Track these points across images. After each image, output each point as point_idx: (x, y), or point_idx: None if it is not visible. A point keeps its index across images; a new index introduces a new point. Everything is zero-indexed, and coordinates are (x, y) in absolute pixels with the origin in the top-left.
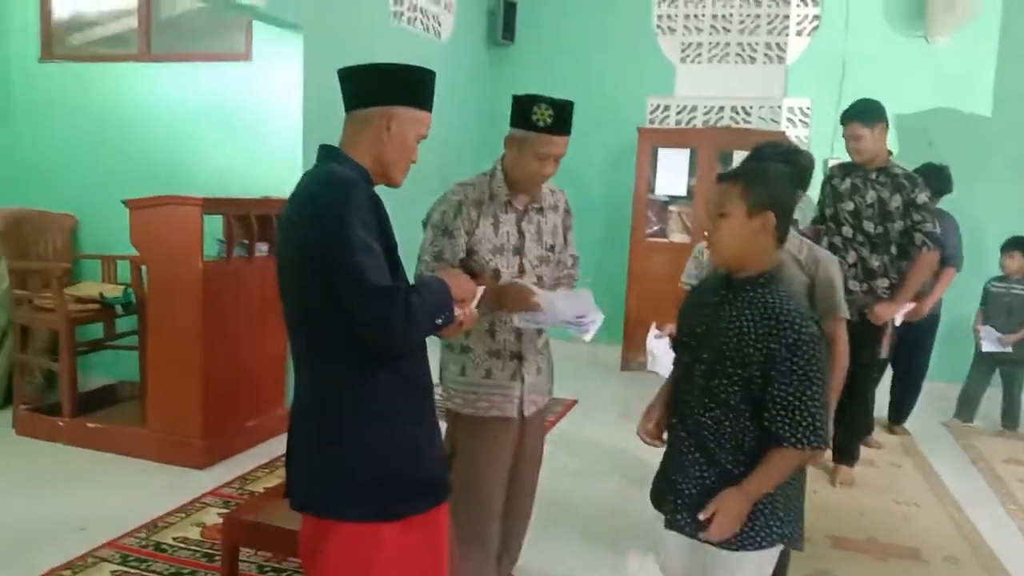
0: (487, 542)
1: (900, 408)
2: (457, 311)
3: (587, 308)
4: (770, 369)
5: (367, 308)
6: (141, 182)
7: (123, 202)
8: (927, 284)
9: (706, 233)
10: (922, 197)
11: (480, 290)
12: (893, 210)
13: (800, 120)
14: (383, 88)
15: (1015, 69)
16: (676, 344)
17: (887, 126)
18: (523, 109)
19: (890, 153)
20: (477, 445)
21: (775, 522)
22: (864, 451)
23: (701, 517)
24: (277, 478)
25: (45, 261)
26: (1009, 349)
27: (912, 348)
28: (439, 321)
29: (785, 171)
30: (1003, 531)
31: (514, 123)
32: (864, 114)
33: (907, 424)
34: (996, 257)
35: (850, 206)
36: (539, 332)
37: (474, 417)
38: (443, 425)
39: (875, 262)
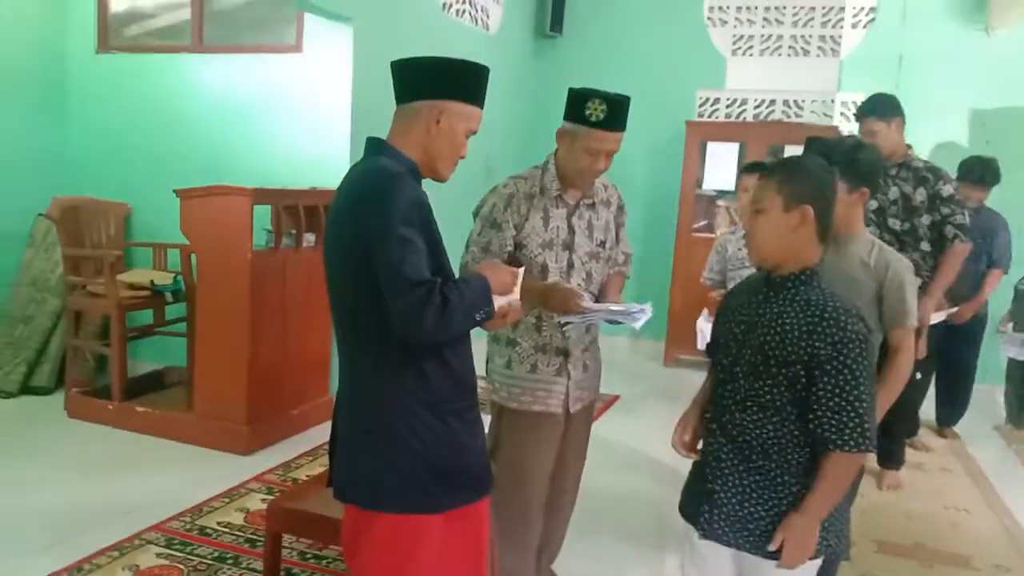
0: (528, 537)
1: (947, 412)
2: (502, 301)
3: (637, 306)
4: (815, 368)
5: (402, 300)
6: (192, 172)
7: (174, 191)
8: (968, 286)
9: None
10: (947, 189)
11: (520, 276)
12: (918, 204)
13: (854, 115)
14: (435, 82)
15: None
16: (714, 347)
17: (903, 120)
18: (577, 103)
19: (909, 147)
20: (521, 440)
21: (821, 533)
22: (912, 454)
23: (771, 548)
24: (320, 466)
25: (98, 248)
26: None
27: (957, 350)
28: (478, 316)
29: (823, 163)
30: None
31: (567, 116)
32: (880, 109)
33: (958, 428)
34: None
35: (873, 204)
36: (587, 329)
37: (519, 411)
38: (486, 418)
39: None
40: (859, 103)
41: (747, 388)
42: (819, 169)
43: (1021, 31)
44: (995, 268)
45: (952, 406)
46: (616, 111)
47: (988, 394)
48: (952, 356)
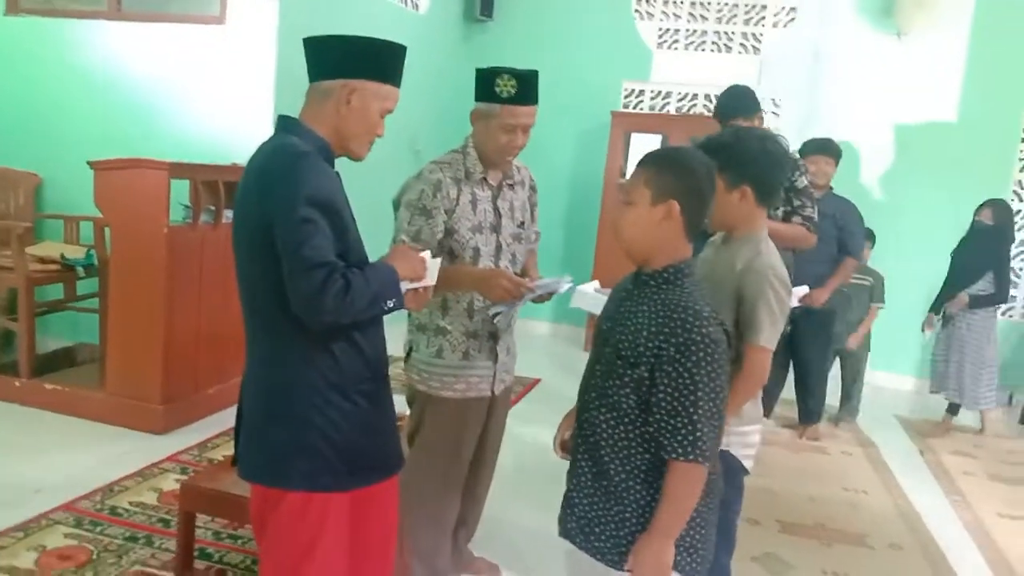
0: (446, 517)
1: (802, 408)
2: (414, 286)
3: (556, 279)
4: (656, 369)
5: (300, 282)
6: (108, 143)
7: (88, 163)
8: (821, 270)
9: None
10: (802, 181)
11: (435, 266)
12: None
13: (772, 111)
14: (347, 60)
15: (983, 69)
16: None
17: (762, 112)
18: (486, 81)
19: None
20: (448, 425)
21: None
22: (818, 441)
23: (625, 569)
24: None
25: (6, 219)
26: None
27: (802, 342)
28: (386, 305)
29: (701, 156)
30: (946, 521)
31: (479, 97)
32: (744, 107)
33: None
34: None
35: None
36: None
37: (449, 399)
38: (398, 398)
39: None
40: (777, 100)
41: (601, 387)
42: (693, 162)
43: (930, 36)
44: (849, 256)
45: (804, 401)
46: (526, 85)
47: (888, 382)
48: (797, 348)
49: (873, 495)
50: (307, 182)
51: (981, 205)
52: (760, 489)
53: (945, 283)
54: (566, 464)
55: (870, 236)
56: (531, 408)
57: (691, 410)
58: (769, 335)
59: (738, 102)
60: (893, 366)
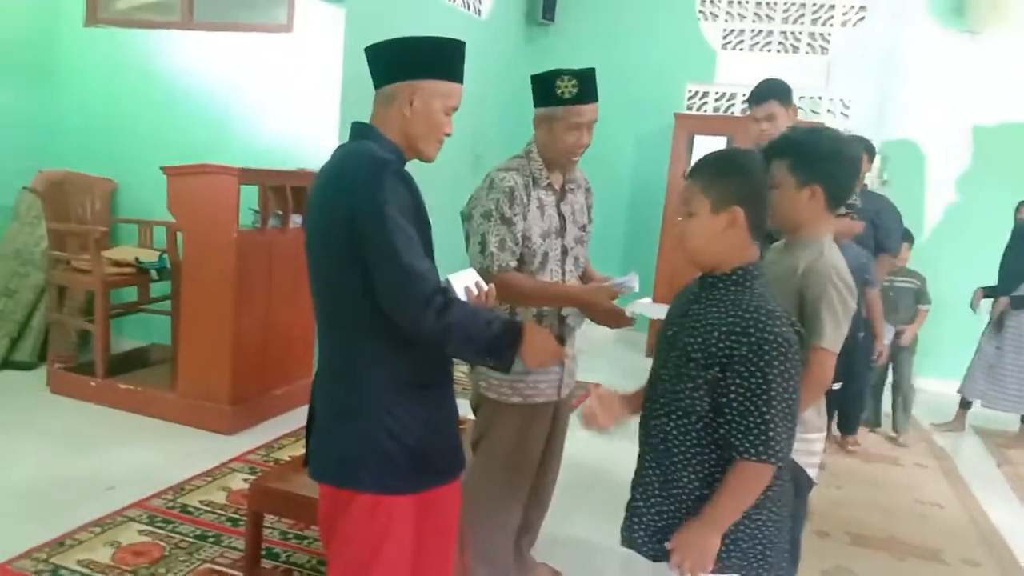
0: (511, 522)
1: (840, 417)
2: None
3: (623, 278)
4: (727, 368)
5: (400, 287)
6: (180, 150)
7: (161, 169)
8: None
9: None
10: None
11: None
12: None
13: (841, 112)
14: (405, 62)
15: None
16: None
17: (796, 109)
18: (546, 85)
19: None
20: (516, 430)
21: (736, 552)
22: (890, 450)
23: (667, 546)
24: (302, 447)
25: (84, 224)
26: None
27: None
28: (478, 357)
29: (751, 155)
30: None
31: (540, 102)
32: (780, 92)
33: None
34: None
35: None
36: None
37: (518, 405)
38: (461, 402)
39: None
40: (847, 101)
41: (671, 392)
42: (749, 164)
43: (1005, 35)
44: (884, 253)
45: (840, 410)
46: (586, 83)
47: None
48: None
49: (948, 508)
50: (395, 189)
51: (1021, 202)
52: (829, 500)
53: (996, 286)
54: (626, 472)
55: (908, 236)
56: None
57: (764, 409)
58: (832, 337)
59: (775, 86)
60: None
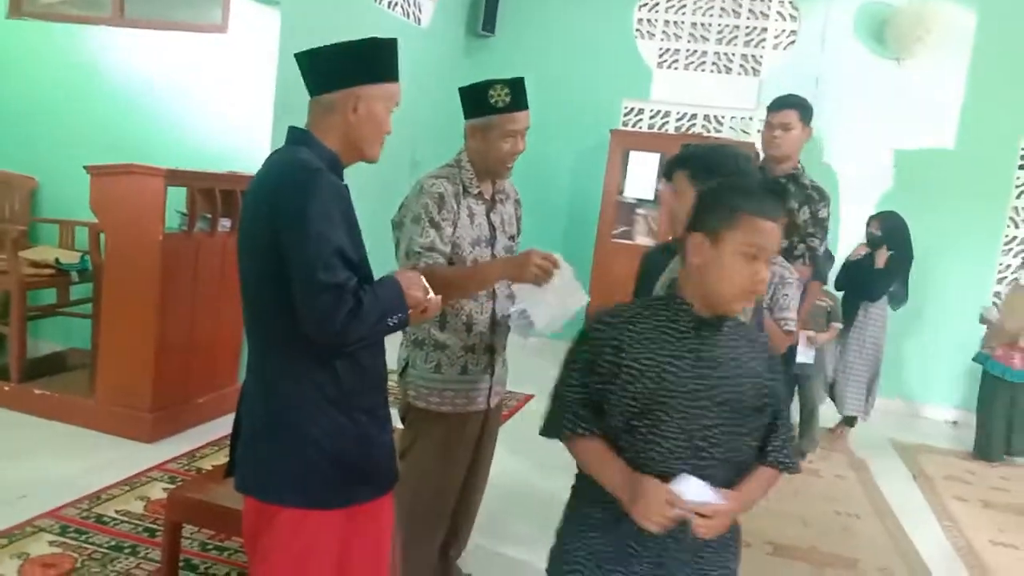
0: (436, 532)
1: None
2: (420, 297)
3: (574, 289)
4: (770, 406)
5: (312, 302)
6: (105, 149)
7: (85, 168)
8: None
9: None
10: (823, 212)
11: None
12: (801, 223)
13: (772, 104)
14: (344, 69)
15: (982, 96)
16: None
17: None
18: (478, 96)
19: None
20: (444, 439)
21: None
22: (808, 462)
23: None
24: (225, 456)
25: (2, 223)
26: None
27: None
28: (391, 322)
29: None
30: (937, 546)
31: (471, 113)
32: (803, 106)
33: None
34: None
35: None
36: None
37: (447, 414)
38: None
39: None
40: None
41: (726, 446)
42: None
43: (929, 62)
44: (815, 280)
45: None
46: (518, 91)
47: (883, 406)
48: None
49: (865, 519)
50: (321, 198)
51: (872, 216)
52: (752, 512)
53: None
54: (556, 487)
55: (830, 257)
56: (523, 424)
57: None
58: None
59: (800, 100)
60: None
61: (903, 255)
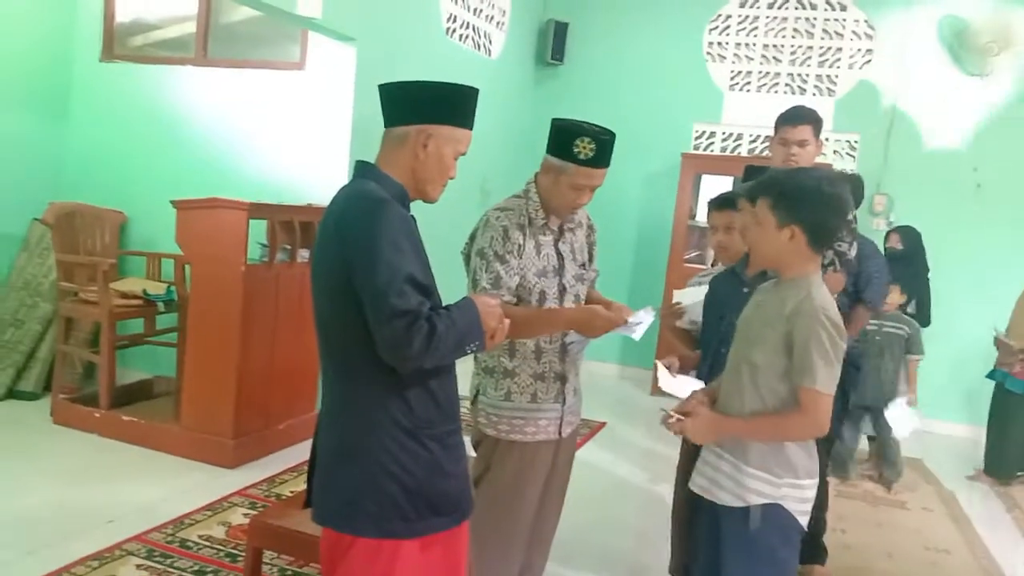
0: (511, 564)
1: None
2: (494, 325)
3: (641, 314)
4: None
5: (388, 328)
6: (190, 184)
7: (171, 202)
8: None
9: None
10: (848, 215)
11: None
12: None
13: (847, 153)
14: (422, 106)
15: None
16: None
17: (822, 142)
18: (564, 139)
19: None
20: (516, 468)
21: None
22: (896, 494)
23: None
24: (304, 482)
25: (92, 255)
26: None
27: None
28: (469, 348)
29: (825, 185)
30: None
31: (554, 151)
32: (817, 122)
33: (943, 468)
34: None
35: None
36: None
37: (519, 442)
38: (466, 440)
39: None
40: (853, 143)
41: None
42: (814, 190)
43: (1013, 78)
44: (860, 304)
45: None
46: (604, 148)
47: (972, 436)
48: None
49: (955, 554)
50: (390, 227)
51: (890, 231)
52: (835, 543)
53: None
54: (633, 515)
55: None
56: (596, 452)
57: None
58: (825, 378)
59: (812, 112)
60: (967, 416)
61: (922, 270)
